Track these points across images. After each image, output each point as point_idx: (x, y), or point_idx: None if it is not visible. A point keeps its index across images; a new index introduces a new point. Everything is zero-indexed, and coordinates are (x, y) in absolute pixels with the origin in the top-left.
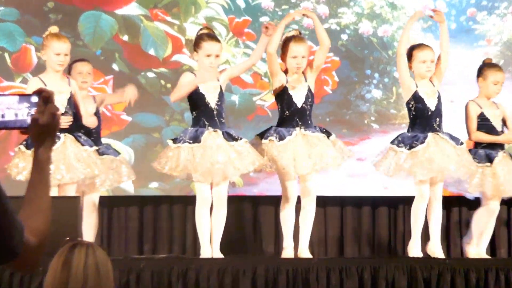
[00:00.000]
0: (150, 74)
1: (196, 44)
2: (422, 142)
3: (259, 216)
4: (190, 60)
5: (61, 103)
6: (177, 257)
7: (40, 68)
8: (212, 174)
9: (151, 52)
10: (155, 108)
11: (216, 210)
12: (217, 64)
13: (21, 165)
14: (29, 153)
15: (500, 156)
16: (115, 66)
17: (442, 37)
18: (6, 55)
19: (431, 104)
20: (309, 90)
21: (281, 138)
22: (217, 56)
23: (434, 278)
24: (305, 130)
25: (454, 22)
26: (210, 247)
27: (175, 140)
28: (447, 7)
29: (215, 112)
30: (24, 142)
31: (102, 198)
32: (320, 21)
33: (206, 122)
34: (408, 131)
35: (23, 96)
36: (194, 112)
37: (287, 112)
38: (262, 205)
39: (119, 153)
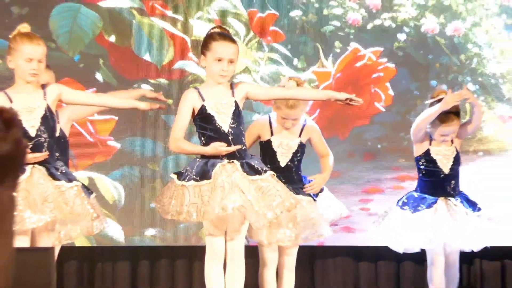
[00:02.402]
0: (145, 87)
1: (204, 45)
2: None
3: None
4: (198, 68)
5: (30, 124)
6: None
7: (1, 79)
8: (225, 222)
9: (147, 57)
10: (152, 131)
11: (231, 268)
12: (231, 72)
13: None
14: None
15: None
16: (98, 76)
17: (473, 119)
18: None
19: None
20: (300, 145)
21: None
22: (231, 61)
23: None
24: (296, 194)
25: None
26: None
27: (180, 175)
28: None
29: (230, 138)
30: None
31: (81, 250)
32: (371, 16)
33: None
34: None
35: None
36: (202, 138)
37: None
38: None
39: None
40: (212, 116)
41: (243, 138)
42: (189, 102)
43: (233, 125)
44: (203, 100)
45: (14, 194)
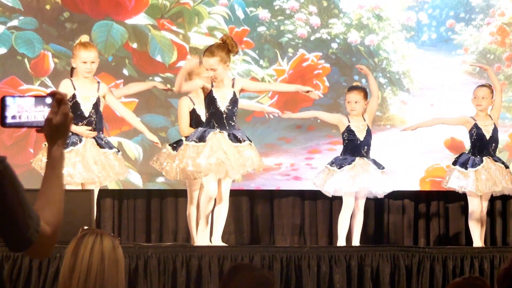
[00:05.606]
0: (157, 79)
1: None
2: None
3: (255, 208)
4: None
5: (86, 107)
6: (181, 245)
7: (56, 73)
8: (219, 171)
9: (158, 58)
10: (162, 110)
11: (219, 204)
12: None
13: (44, 160)
14: None
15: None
16: (125, 71)
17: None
18: (26, 60)
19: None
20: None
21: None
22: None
23: (415, 265)
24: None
25: (434, 32)
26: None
27: (186, 138)
28: (428, 19)
29: (224, 115)
30: None
31: (113, 191)
32: (313, 31)
33: (215, 124)
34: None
35: (39, 98)
36: (207, 114)
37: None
38: (258, 199)
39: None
40: (215, 99)
41: (234, 117)
42: (202, 83)
43: (229, 108)
44: (212, 86)
45: (63, 150)
